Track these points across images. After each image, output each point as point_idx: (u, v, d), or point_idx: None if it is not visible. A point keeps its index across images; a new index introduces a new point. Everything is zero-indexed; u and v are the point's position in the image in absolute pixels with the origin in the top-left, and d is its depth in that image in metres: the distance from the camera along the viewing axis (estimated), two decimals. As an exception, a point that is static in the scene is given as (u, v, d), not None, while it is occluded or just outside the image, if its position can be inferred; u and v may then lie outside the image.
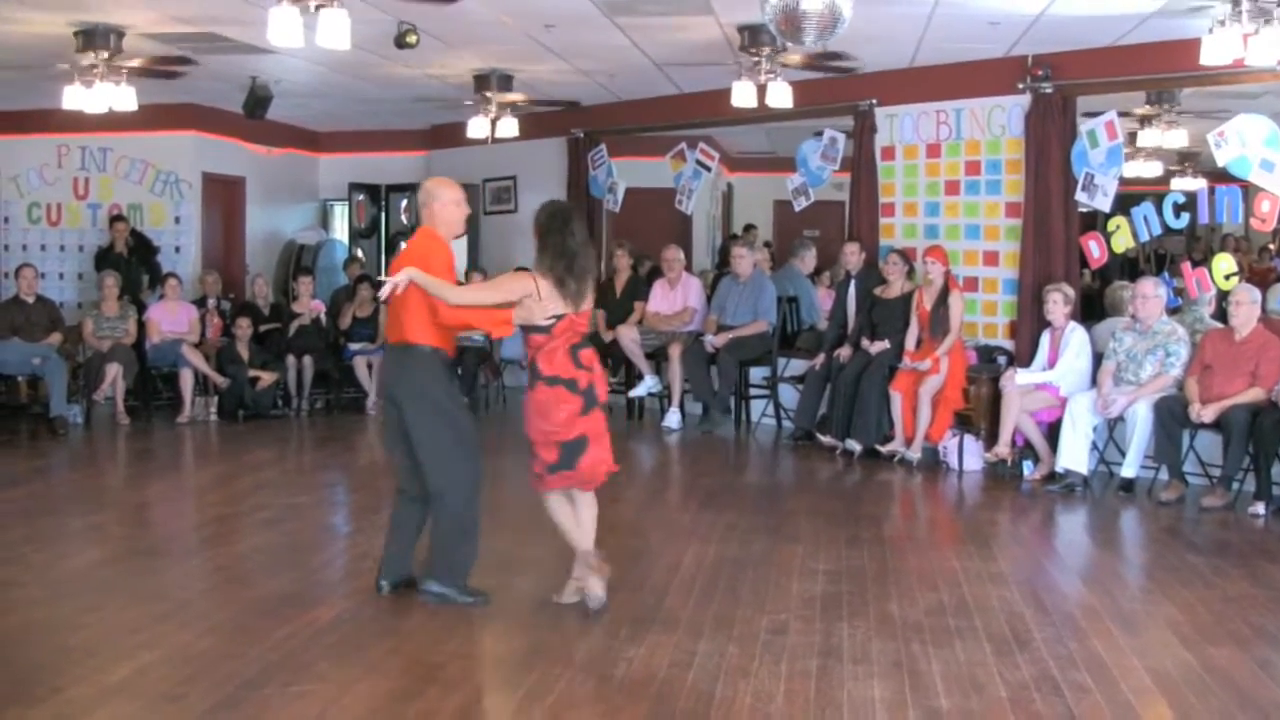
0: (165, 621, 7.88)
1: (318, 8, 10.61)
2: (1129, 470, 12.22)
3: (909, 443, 13.65)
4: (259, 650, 7.25)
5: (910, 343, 13.96)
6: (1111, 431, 12.81)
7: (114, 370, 16.29)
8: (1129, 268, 18.56)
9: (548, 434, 8.17)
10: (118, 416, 16.32)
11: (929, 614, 8.15)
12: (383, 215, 22.57)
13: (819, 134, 16.47)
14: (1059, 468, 12.46)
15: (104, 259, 18.32)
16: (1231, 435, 11.42)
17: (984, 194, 14.73)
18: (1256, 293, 12.11)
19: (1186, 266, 13.58)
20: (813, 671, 6.99)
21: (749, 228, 23.45)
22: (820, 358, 14.97)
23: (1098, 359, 12.82)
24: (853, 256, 15.25)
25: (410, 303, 8.05)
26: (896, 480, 13.14)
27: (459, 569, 8.31)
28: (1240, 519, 11.28)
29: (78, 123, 15.93)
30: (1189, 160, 19.42)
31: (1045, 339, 13.20)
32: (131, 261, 18.39)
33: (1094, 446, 12.64)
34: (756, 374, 16.36)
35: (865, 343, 14.42)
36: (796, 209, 17.00)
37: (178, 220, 19.36)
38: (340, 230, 22.79)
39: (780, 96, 13.73)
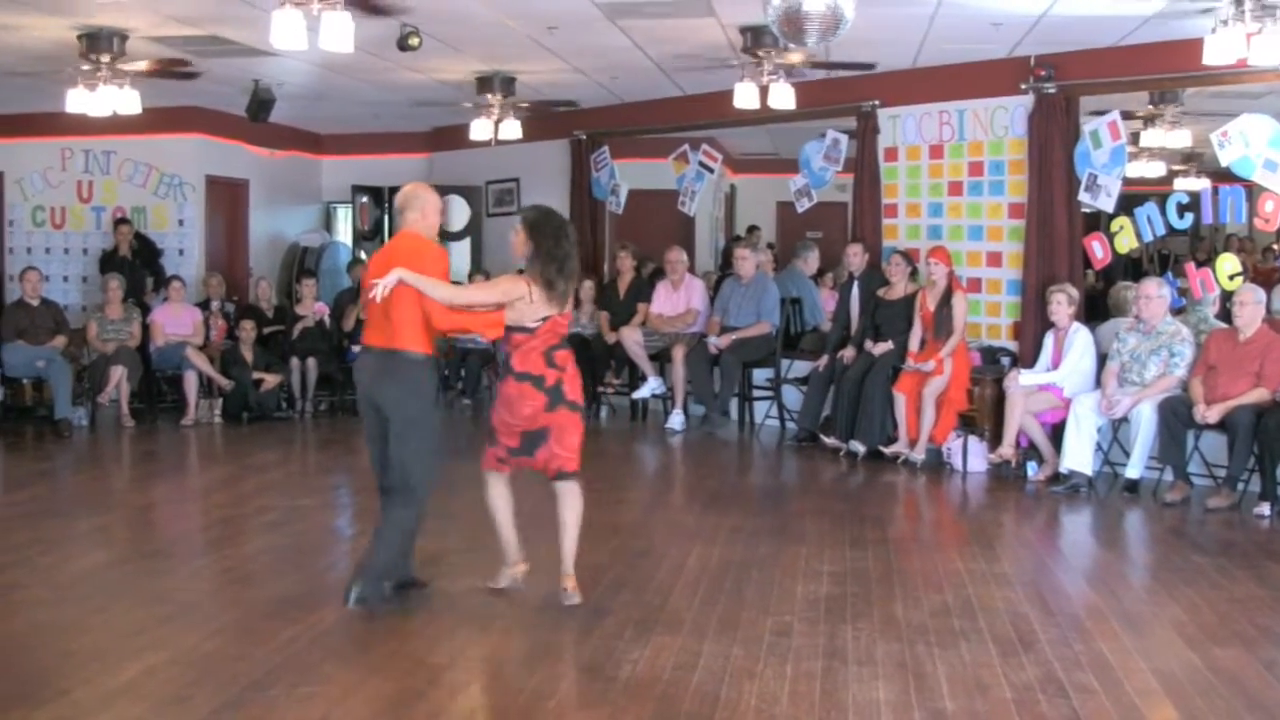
0: (170, 623, 7.89)
1: (320, 11, 10.61)
2: (1133, 471, 12.21)
3: (913, 444, 13.64)
4: (264, 652, 7.26)
5: (914, 344, 13.95)
6: (1116, 432, 12.80)
7: (118, 373, 16.29)
8: (1133, 268, 18.54)
9: (510, 425, 8.33)
10: (122, 419, 16.33)
11: (934, 615, 8.15)
12: (386, 217, 22.57)
13: (822, 135, 16.46)
14: (1063, 469, 12.46)
15: (108, 262, 18.33)
16: (1236, 436, 11.42)
17: (987, 195, 14.72)
18: (1261, 293, 12.10)
19: (1190, 267, 13.59)
20: (817, 673, 6.99)
21: (752, 229, 23.43)
22: (824, 359, 14.96)
23: (1102, 360, 12.81)
24: (856, 258, 15.24)
25: (401, 306, 8.01)
26: (900, 482, 13.14)
27: (397, 569, 8.36)
28: (1245, 520, 11.28)
29: (81, 126, 15.92)
30: (1192, 160, 19.42)
31: (1049, 340, 13.20)
32: (135, 264, 18.40)
33: (1098, 447, 12.62)
34: (760, 375, 16.35)
35: (869, 344, 14.42)
36: (799, 210, 16.99)
37: (181, 223, 19.37)
38: (343, 232, 22.79)
39: (783, 98, 13.74)
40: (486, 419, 8.57)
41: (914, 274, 14.47)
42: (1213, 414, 11.56)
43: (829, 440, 14.41)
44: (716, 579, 9.00)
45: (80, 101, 13.79)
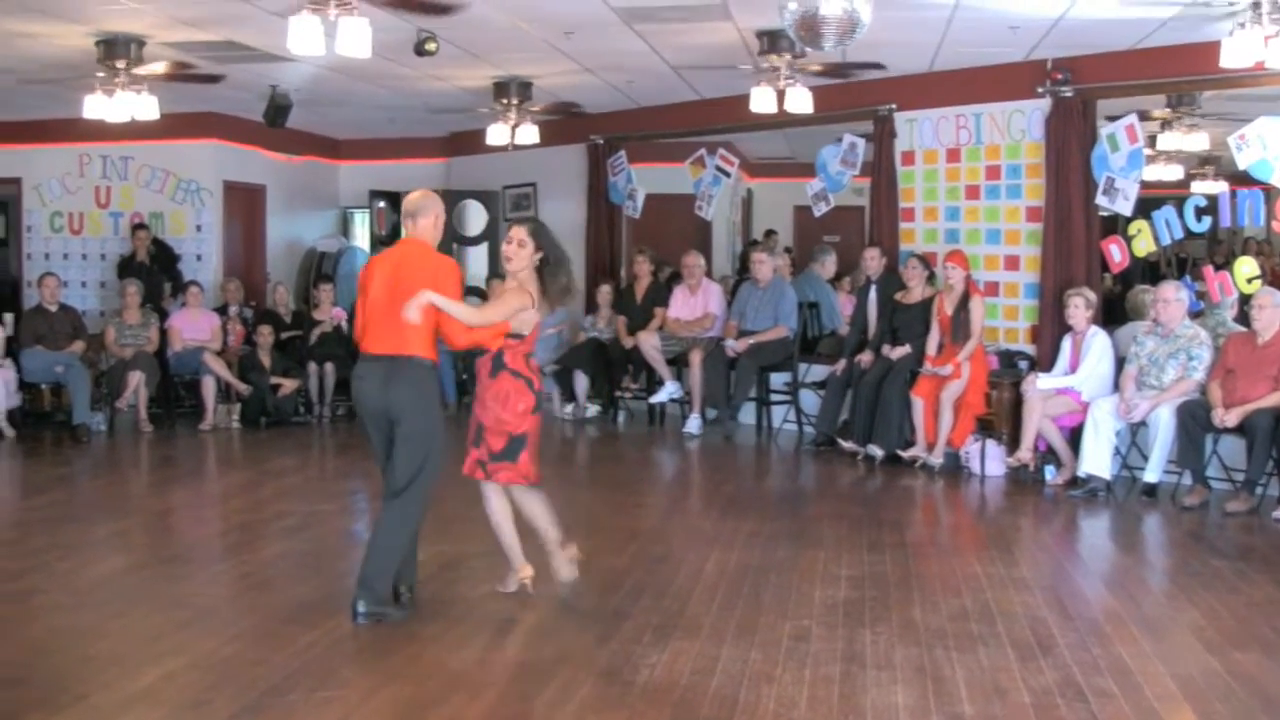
0: (189, 628, 7.91)
1: (338, 16, 10.63)
2: (1152, 475, 12.19)
3: (931, 448, 13.62)
4: (283, 657, 7.27)
5: (931, 348, 13.94)
6: (1134, 436, 12.75)
7: (136, 378, 16.32)
8: (1150, 272, 18.49)
9: (502, 422, 8.34)
10: (140, 424, 16.35)
11: (952, 619, 8.15)
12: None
13: (839, 139, 16.45)
14: (1081, 473, 12.44)
15: (126, 267, 18.37)
16: (1255, 439, 11.39)
17: (1004, 198, 14.70)
18: (1279, 296, 12.07)
19: (1208, 270, 13.57)
20: (836, 678, 6.99)
21: (769, 233, 23.39)
22: (841, 363, 14.94)
23: (1119, 363, 12.79)
24: (873, 262, 15.23)
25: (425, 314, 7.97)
26: (918, 486, 13.13)
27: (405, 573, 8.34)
28: (1264, 523, 11.26)
29: (99, 132, 15.95)
30: (1210, 163, 19.36)
31: (1067, 343, 13.19)
32: (153, 270, 18.44)
33: (1116, 451, 12.59)
34: (777, 379, 16.34)
35: (886, 348, 14.40)
36: (816, 214, 16.97)
37: (199, 228, 19.40)
38: (361, 237, 22.79)
39: (800, 102, 13.74)
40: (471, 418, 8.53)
41: (931, 278, 14.45)
42: (1231, 417, 11.54)
43: (847, 444, 14.40)
44: (734, 583, 9.00)
45: (98, 107, 13.82)
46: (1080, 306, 12.95)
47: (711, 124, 17.78)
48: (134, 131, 15.68)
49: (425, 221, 8.36)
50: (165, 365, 17.02)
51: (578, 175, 19.56)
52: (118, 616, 8.22)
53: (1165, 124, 16.59)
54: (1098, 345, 12.84)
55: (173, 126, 17.00)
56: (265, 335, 17.27)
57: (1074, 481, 12.58)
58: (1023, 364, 14.00)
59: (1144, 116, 14.50)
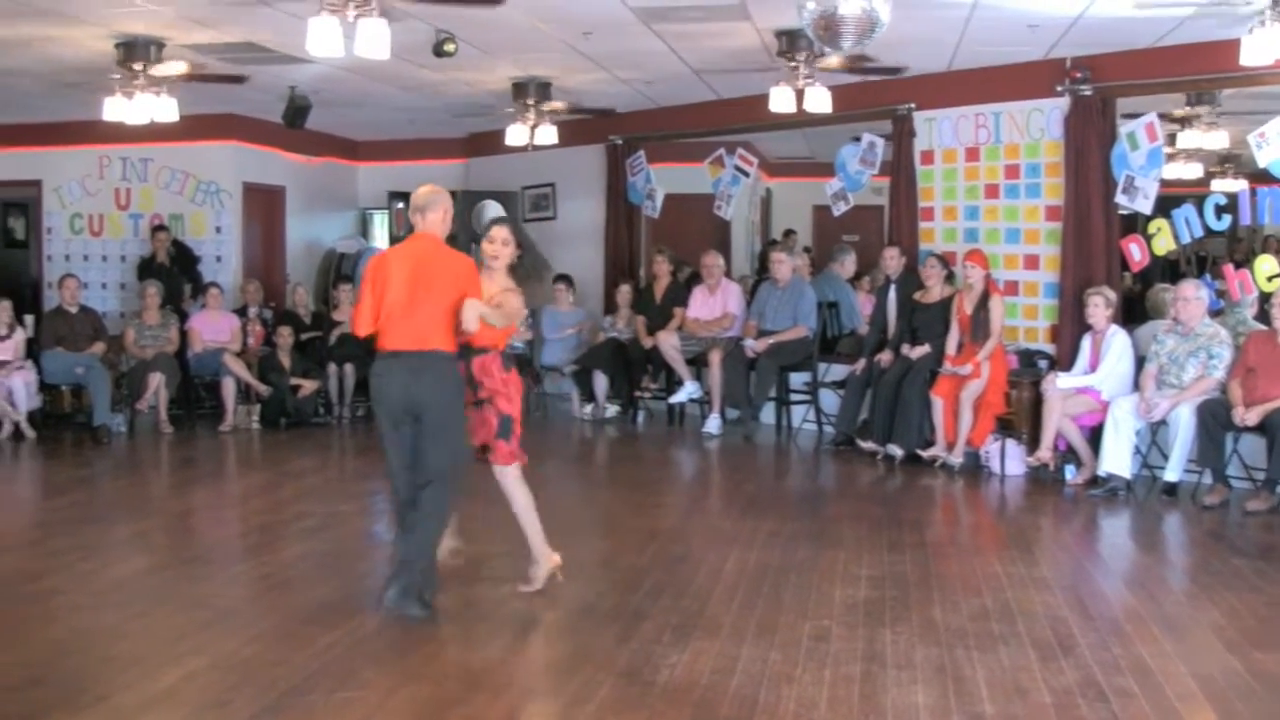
0: (210, 629, 7.92)
1: (357, 18, 10.64)
2: (1172, 474, 12.17)
3: (950, 447, 13.61)
4: (303, 657, 7.28)
5: (951, 347, 13.92)
6: (1154, 435, 12.73)
7: (157, 379, 16.38)
8: (1170, 270, 18.48)
9: (517, 414, 8.64)
10: (161, 425, 16.41)
11: (972, 619, 8.14)
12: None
13: (857, 139, 16.44)
14: (1101, 472, 12.42)
15: (146, 269, 18.41)
16: (1275, 438, 11.34)
17: (1024, 197, 14.68)
18: (1299, 294, 12.06)
19: (1228, 268, 13.51)
20: (856, 677, 6.98)
21: (788, 233, 23.38)
22: (861, 363, 14.94)
23: (1139, 362, 12.77)
24: (892, 261, 15.21)
25: (436, 310, 8.16)
26: (938, 485, 13.12)
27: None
28: (1285, 522, 11.25)
29: (119, 134, 15.98)
30: (1230, 162, 19.30)
31: (1086, 342, 13.16)
32: (173, 271, 18.47)
33: (1136, 450, 12.57)
34: (797, 379, 16.33)
35: (905, 348, 14.39)
36: (836, 214, 16.97)
37: (218, 230, 19.42)
38: (380, 238, 22.78)
39: (819, 102, 13.72)
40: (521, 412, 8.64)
41: (950, 277, 14.44)
42: (1252, 416, 11.51)
43: (866, 444, 14.39)
44: (754, 583, 9.00)
45: (118, 109, 13.84)
46: (1100, 305, 12.93)
47: (730, 124, 17.77)
48: (153, 133, 15.71)
49: (435, 216, 8.41)
50: (185, 366, 17.08)
51: (597, 175, 19.57)
52: (138, 617, 8.24)
53: (1185, 122, 16.55)
54: (1117, 344, 12.82)
55: (192, 128, 17.02)
56: (285, 336, 17.30)
57: (1094, 481, 12.56)
58: (1042, 363, 13.99)
59: (1163, 115, 14.46)
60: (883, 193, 16.72)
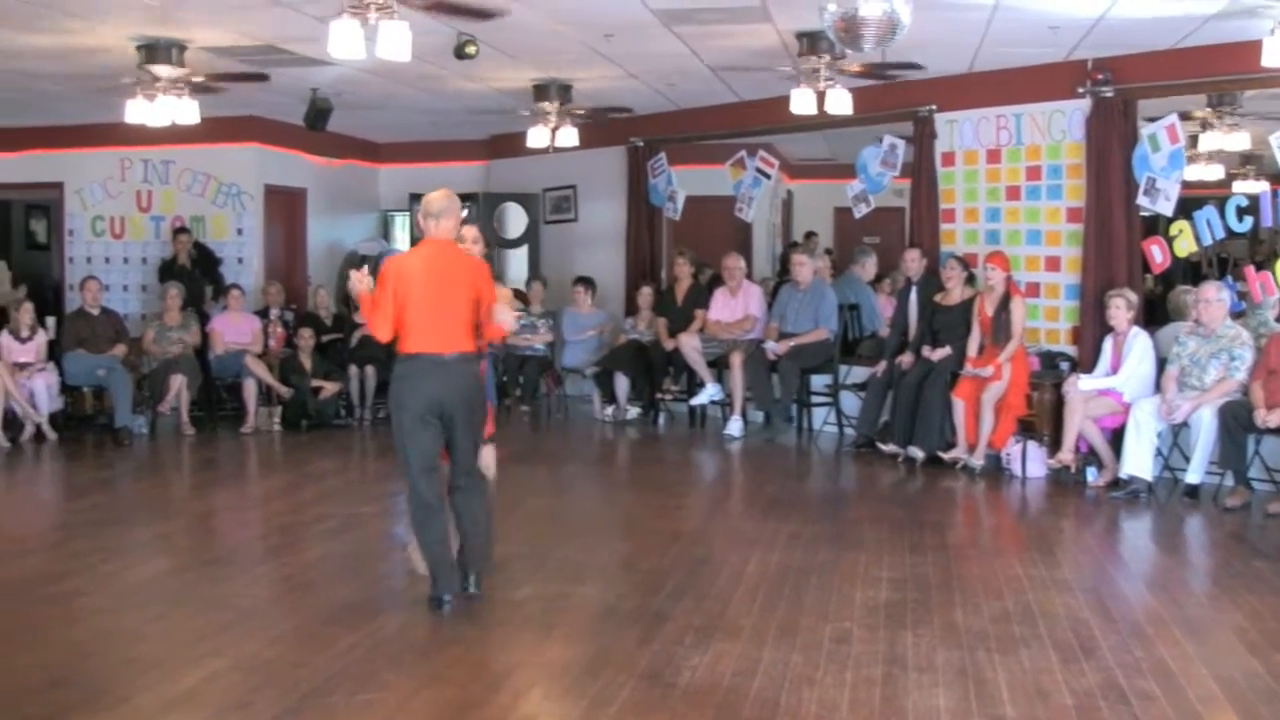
0: (231, 630, 7.94)
1: (378, 20, 10.65)
2: (1193, 476, 12.13)
3: (972, 449, 13.59)
4: (325, 659, 7.30)
5: (972, 349, 13.90)
6: (1176, 437, 12.72)
7: (178, 381, 16.42)
8: (1191, 272, 18.45)
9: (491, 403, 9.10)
10: (182, 427, 16.44)
11: (994, 622, 8.13)
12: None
13: (879, 140, 16.43)
14: (1123, 474, 12.39)
15: (167, 271, 18.43)
16: (1298, 440, 11.36)
17: (1045, 199, 14.66)
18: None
19: (1250, 270, 13.49)
20: (877, 680, 6.98)
21: (809, 235, 23.41)
22: (882, 365, 14.92)
23: (1161, 364, 12.73)
24: (913, 263, 15.20)
25: (459, 313, 8.43)
26: (959, 487, 13.10)
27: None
28: (1307, 524, 11.23)
29: (140, 136, 16.00)
30: (1251, 163, 19.27)
31: (1108, 344, 13.13)
32: (194, 273, 18.50)
33: (1158, 452, 12.56)
34: (818, 381, 16.33)
35: (926, 350, 14.37)
36: (857, 216, 16.95)
37: (240, 232, 19.45)
38: (401, 240, 22.79)
39: (840, 103, 13.70)
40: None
41: (970, 279, 14.43)
42: (1273, 418, 11.48)
43: (887, 446, 14.38)
44: (776, 585, 9.00)
45: (139, 112, 13.86)
46: (1121, 307, 12.90)
47: (751, 126, 17.75)
48: (175, 136, 15.75)
49: (449, 223, 8.64)
50: (207, 368, 17.12)
51: (618, 177, 19.58)
52: (160, 619, 8.27)
53: (1206, 124, 16.52)
54: (1139, 346, 12.79)
55: (213, 130, 17.07)
56: (306, 338, 17.33)
57: (1115, 483, 12.52)
58: (1064, 365, 13.96)
59: (1185, 116, 14.44)
60: (904, 194, 16.69)
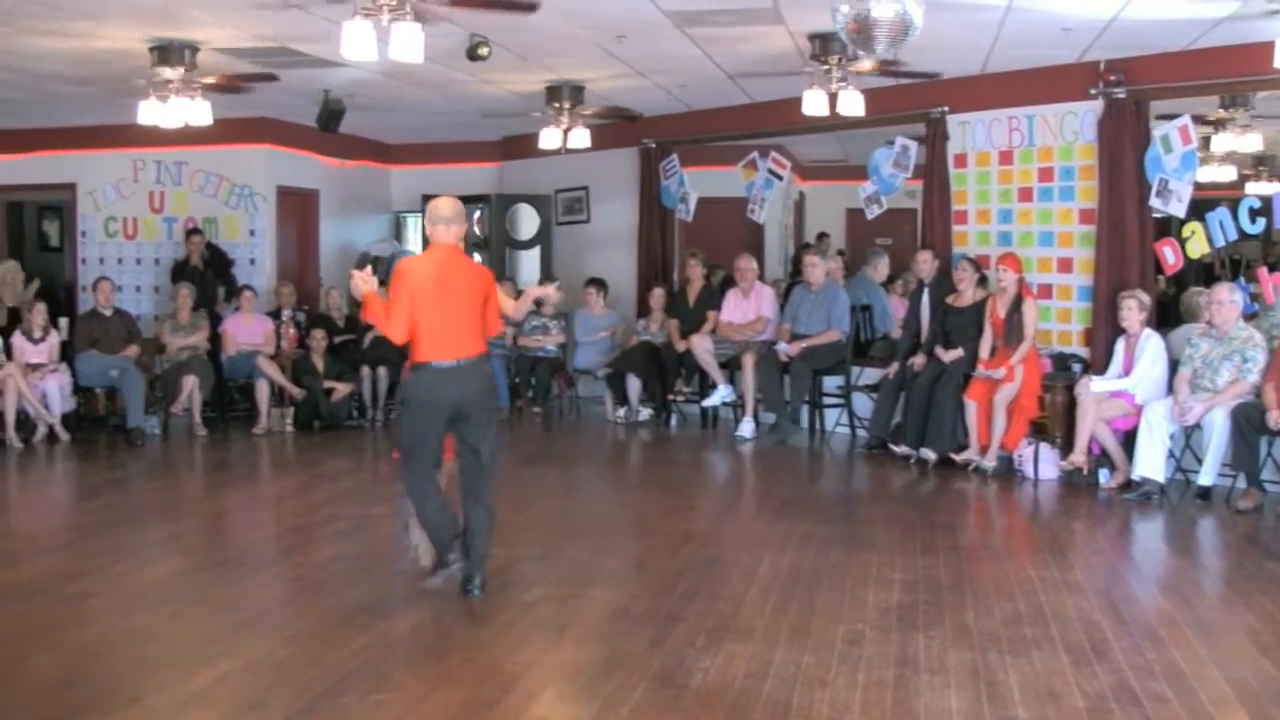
0: (243, 631, 7.95)
1: (390, 21, 10.66)
2: (1206, 478, 12.12)
3: (984, 451, 13.58)
4: (337, 659, 7.31)
5: (984, 351, 13.90)
6: (1188, 439, 12.70)
7: (191, 382, 16.45)
8: (1204, 273, 18.42)
9: None
10: (194, 428, 16.48)
11: (1005, 623, 8.12)
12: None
13: (891, 142, 16.42)
14: (1135, 476, 12.38)
15: (179, 272, 18.45)
16: (1311, 442, 11.34)
17: (1057, 200, 14.64)
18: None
19: (1263, 272, 13.48)
20: (889, 681, 6.98)
21: (821, 236, 23.41)
22: (894, 366, 14.91)
23: (1174, 366, 12.72)
24: (926, 265, 15.19)
25: (477, 316, 8.70)
26: (971, 489, 13.09)
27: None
28: (1320, 526, 11.21)
29: (153, 137, 16.01)
30: (1264, 164, 19.26)
31: (1120, 346, 13.12)
32: (206, 274, 18.51)
33: (1170, 454, 12.54)
34: (830, 383, 16.33)
35: (939, 351, 14.37)
36: (869, 217, 16.93)
37: (252, 233, 19.48)
38: (413, 242, 22.82)
39: (852, 105, 13.69)
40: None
41: (982, 280, 14.41)
42: (1286, 420, 11.49)
43: (899, 448, 14.37)
44: (788, 587, 8.99)
45: (152, 113, 13.87)
46: (1134, 309, 12.89)
47: (763, 127, 17.75)
48: (187, 137, 15.75)
49: (459, 229, 8.87)
50: (219, 369, 17.14)
51: (630, 179, 19.58)
52: (172, 619, 8.29)
53: (1219, 125, 16.51)
54: (1151, 348, 12.78)
55: (226, 132, 17.06)
56: (318, 339, 17.35)
57: (1128, 485, 12.51)
58: (1076, 367, 13.94)
59: (1197, 118, 14.42)
60: (916, 196, 16.70)
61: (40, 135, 19.29)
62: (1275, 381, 11.82)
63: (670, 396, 17.54)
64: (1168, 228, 14.68)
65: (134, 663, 7.34)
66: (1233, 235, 13.34)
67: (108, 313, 16.80)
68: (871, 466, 14.44)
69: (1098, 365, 13.64)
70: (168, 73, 13.41)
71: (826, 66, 13.38)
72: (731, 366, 16.66)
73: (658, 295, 18.07)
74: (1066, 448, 13.09)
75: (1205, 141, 16.18)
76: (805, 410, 16.32)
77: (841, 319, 15.93)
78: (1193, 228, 13.44)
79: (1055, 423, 13.37)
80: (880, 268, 17.89)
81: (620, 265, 19.48)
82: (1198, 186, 13.79)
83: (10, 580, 9.26)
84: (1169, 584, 9.66)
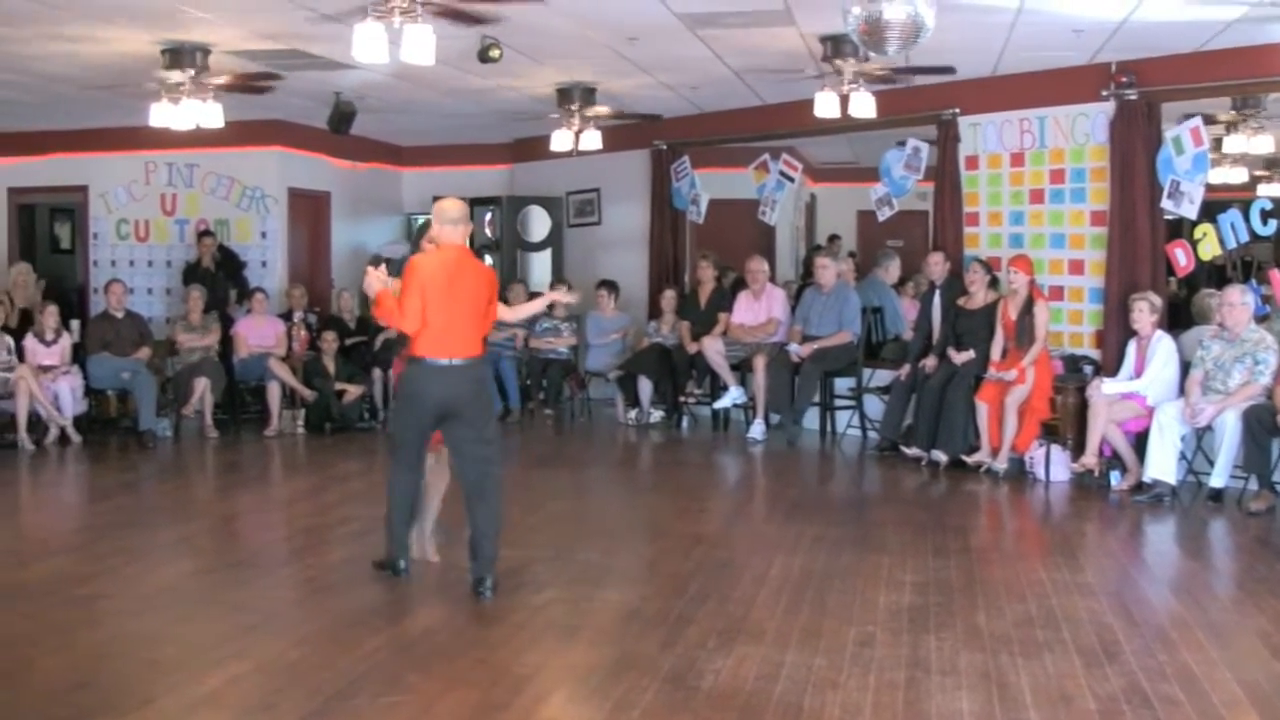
0: (254, 633, 7.95)
1: (402, 24, 10.67)
2: (1217, 480, 12.10)
3: (995, 453, 13.58)
4: (348, 661, 7.30)
5: (995, 353, 13.89)
6: (1200, 441, 12.68)
7: (202, 384, 16.46)
8: (1216, 275, 18.39)
9: None
10: (206, 430, 16.49)
11: (1017, 625, 8.11)
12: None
13: (902, 144, 16.41)
14: (1147, 478, 12.36)
15: (191, 274, 18.48)
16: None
17: (1069, 202, 14.64)
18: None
19: (1274, 274, 13.44)
20: (900, 683, 6.97)
21: (833, 238, 23.40)
22: (905, 368, 14.91)
23: (1185, 368, 12.71)
24: (937, 266, 15.19)
25: (480, 317, 8.81)
26: (983, 491, 13.08)
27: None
28: (1331, 529, 11.19)
29: (164, 140, 16.06)
30: (1276, 166, 19.24)
31: (1132, 348, 13.11)
32: (218, 276, 18.53)
33: (1182, 456, 12.51)
34: (841, 385, 16.32)
35: (950, 353, 14.36)
36: (880, 219, 16.94)
37: (264, 235, 19.50)
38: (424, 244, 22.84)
39: (863, 107, 13.69)
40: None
41: (993, 282, 14.40)
42: (1298, 422, 11.48)
43: (911, 450, 14.37)
44: (799, 589, 8.99)
45: (164, 115, 13.90)
46: (1145, 311, 12.87)
47: (775, 129, 17.76)
48: (199, 139, 15.80)
49: (465, 229, 9.01)
50: (230, 371, 17.16)
51: (641, 180, 19.59)
52: (183, 621, 8.29)
53: (1230, 127, 16.50)
54: (1163, 350, 12.76)
55: (238, 134, 17.08)
56: (330, 341, 17.37)
57: (1139, 487, 12.50)
58: (1087, 369, 13.93)
59: (1209, 119, 14.41)
60: (927, 198, 16.70)
61: (52, 138, 19.34)
62: (1286, 383, 11.82)
63: (681, 398, 17.54)
64: (1179, 229, 14.68)
65: (145, 664, 7.34)
66: (1244, 237, 13.32)
67: (119, 315, 16.81)
68: (883, 468, 14.43)
69: (1109, 367, 13.62)
70: (179, 75, 13.44)
71: (838, 68, 13.36)
72: (743, 368, 16.67)
73: (669, 297, 18.07)
74: (1078, 450, 13.08)
75: (1217, 143, 16.16)
76: (816, 412, 16.31)
77: (853, 321, 15.93)
78: (1204, 229, 13.42)
79: (1066, 425, 13.35)
80: (891, 269, 17.88)
81: (631, 267, 19.48)
82: (1209, 188, 13.77)
83: (21, 581, 9.28)
84: (1181, 586, 9.65)
